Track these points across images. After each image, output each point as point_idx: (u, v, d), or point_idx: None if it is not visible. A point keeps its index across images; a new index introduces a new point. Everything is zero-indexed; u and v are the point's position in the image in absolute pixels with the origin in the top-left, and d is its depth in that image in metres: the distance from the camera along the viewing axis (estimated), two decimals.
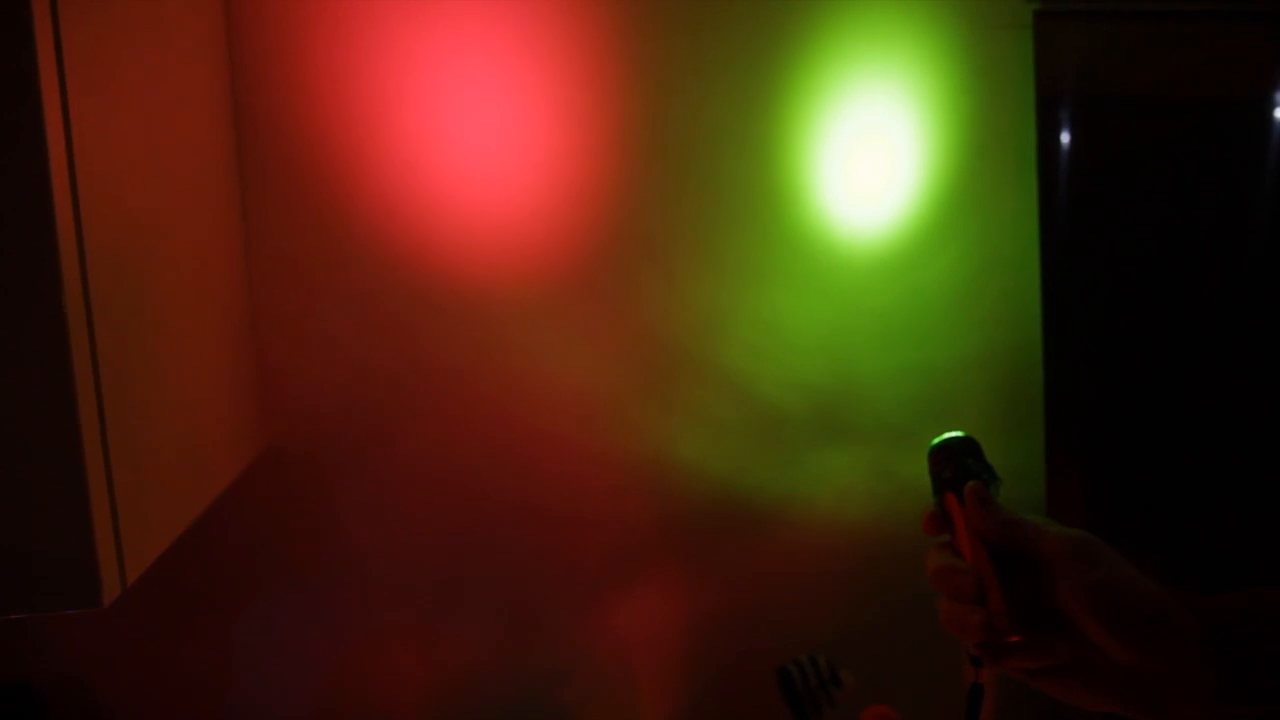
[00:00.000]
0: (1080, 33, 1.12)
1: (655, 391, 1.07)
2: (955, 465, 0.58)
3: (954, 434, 0.61)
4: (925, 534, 0.57)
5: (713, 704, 1.17)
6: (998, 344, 1.11)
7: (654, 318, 1.06)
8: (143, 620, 1.06)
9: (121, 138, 0.71)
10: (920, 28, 1.11)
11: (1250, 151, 1.16)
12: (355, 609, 1.10)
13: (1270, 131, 1.15)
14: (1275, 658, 0.48)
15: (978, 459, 0.59)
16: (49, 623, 1.04)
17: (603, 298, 1.05)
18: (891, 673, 1.16)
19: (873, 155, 1.08)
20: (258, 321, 1.05)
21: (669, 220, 1.06)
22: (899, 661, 1.17)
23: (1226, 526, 1.18)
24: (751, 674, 1.15)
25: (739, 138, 1.06)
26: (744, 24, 1.07)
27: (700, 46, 1.06)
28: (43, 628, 1.04)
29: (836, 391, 1.10)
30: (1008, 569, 0.53)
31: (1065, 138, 1.14)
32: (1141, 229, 1.17)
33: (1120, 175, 1.15)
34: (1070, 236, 1.14)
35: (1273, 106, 1.15)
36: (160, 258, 0.79)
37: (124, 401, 0.68)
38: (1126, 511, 1.18)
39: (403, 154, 1.05)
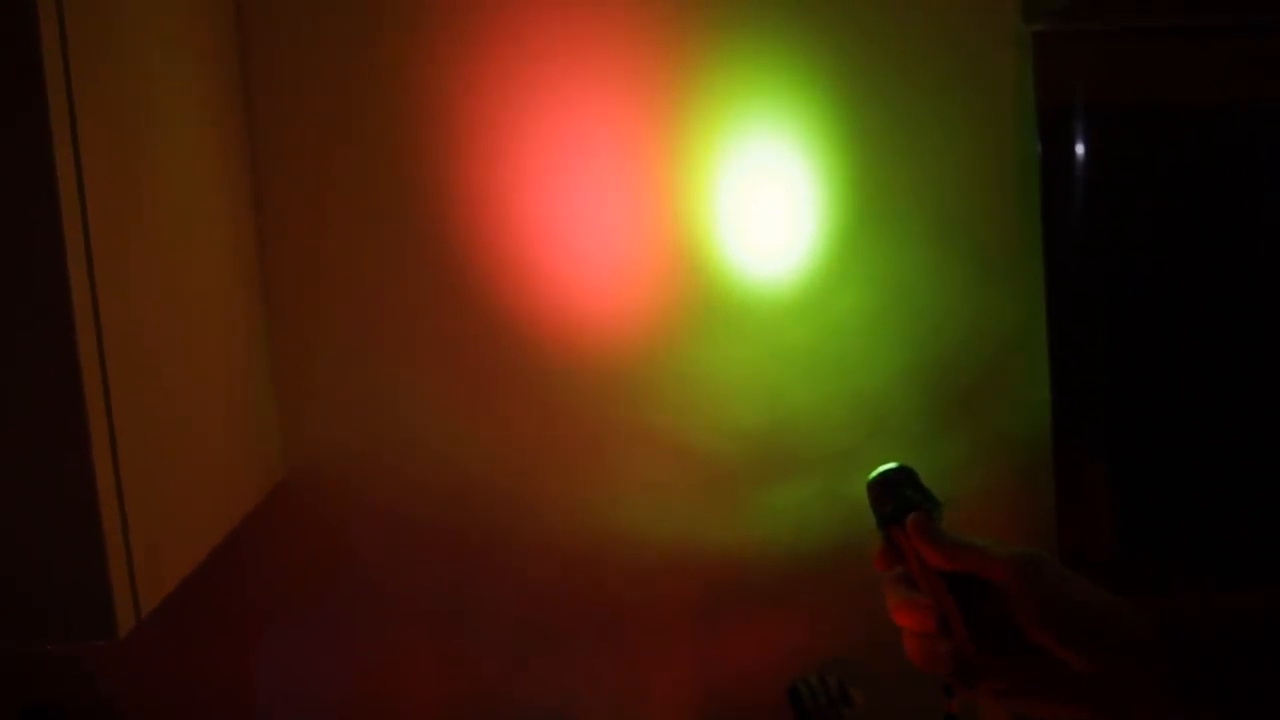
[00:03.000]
0: (1080, 52, 1.13)
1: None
2: (894, 498, 0.59)
3: (888, 466, 0.61)
4: (877, 571, 0.58)
5: None
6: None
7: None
8: (168, 644, 1.08)
9: (135, 178, 0.74)
10: (917, 48, 1.13)
11: (1257, 160, 1.15)
12: (373, 635, 1.12)
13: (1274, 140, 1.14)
14: (1228, 659, 0.49)
15: (915, 488, 0.60)
16: (75, 648, 1.07)
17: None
18: (900, 691, 1.16)
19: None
20: (277, 352, 1.08)
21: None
22: (906, 679, 1.17)
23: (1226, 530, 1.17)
24: (763, 695, 1.16)
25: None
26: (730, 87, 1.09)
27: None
28: (69, 652, 1.07)
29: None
30: (964, 592, 0.54)
31: (1066, 154, 1.14)
32: (1152, 244, 1.16)
33: (1129, 191, 1.15)
34: (1078, 254, 1.15)
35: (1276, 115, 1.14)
36: (175, 285, 0.81)
37: (138, 433, 0.70)
38: (1138, 516, 1.18)
39: (424, 188, 1.08)
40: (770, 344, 1.12)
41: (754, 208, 1.11)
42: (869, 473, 0.62)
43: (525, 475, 1.12)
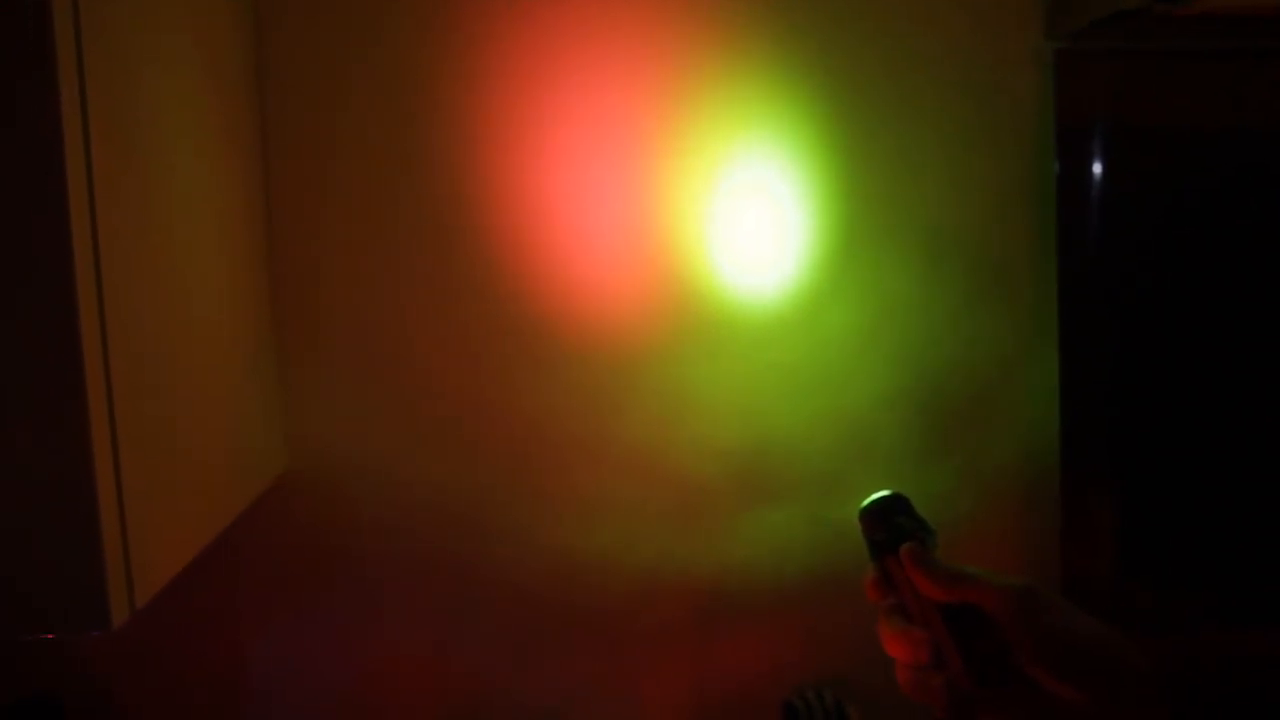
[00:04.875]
0: (1102, 69, 1.12)
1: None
2: (886, 526, 0.58)
3: (880, 494, 0.60)
4: (871, 601, 0.58)
5: None
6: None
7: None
8: (165, 635, 1.09)
9: (144, 170, 0.74)
10: (938, 67, 1.12)
11: (1276, 184, 1.14)
12: (368, 634, 1.12)
13: None
14: (1225, 697, 0.48)
15: (909, 515, 0.59)
16: (71, 638, 1.07)
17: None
18: (896, 710, 1.15)
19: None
20: (282, 346, 1.08)
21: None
22: (901, 698, 1.16)
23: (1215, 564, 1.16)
24: (764, 705, 1.15)
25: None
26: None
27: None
28: (65, 641, 1.08)
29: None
30: (959, 623, 0.53)
31: (1083, 170, 1.14)
32: (1167, 263, 1.15)
33: (1144, 210, 1.14)
34: (1092, 271, 1.14)
35: None
36: (181, 275, 0.81)
37: (139, 424, 0.70)
38: (1145, 546, 1.17)
39: (432, 186, 1.08)
40: (754, 361, 1.10)
41: (744, 222, 1.10)
42: (855, 496, 0.61)
43: (507, 485, 1.12)
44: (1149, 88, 1.12)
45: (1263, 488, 1.15)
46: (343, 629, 1.12)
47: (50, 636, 0.67)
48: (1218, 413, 1.15)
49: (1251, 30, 1.11)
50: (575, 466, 1.10)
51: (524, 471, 1.12)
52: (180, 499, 0.79)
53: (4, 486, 0.63)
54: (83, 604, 0.65)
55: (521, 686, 1.15)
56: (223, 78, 0.95)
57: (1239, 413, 1.15)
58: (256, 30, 1.04)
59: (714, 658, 1.16)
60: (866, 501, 0.61)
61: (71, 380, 0.63)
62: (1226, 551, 1.16)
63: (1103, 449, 1.15)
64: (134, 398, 0.69)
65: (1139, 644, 0.50)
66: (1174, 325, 1.15)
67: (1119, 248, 1.13)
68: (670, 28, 1.08)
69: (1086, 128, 1.12)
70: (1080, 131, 1.12)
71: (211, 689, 1.11)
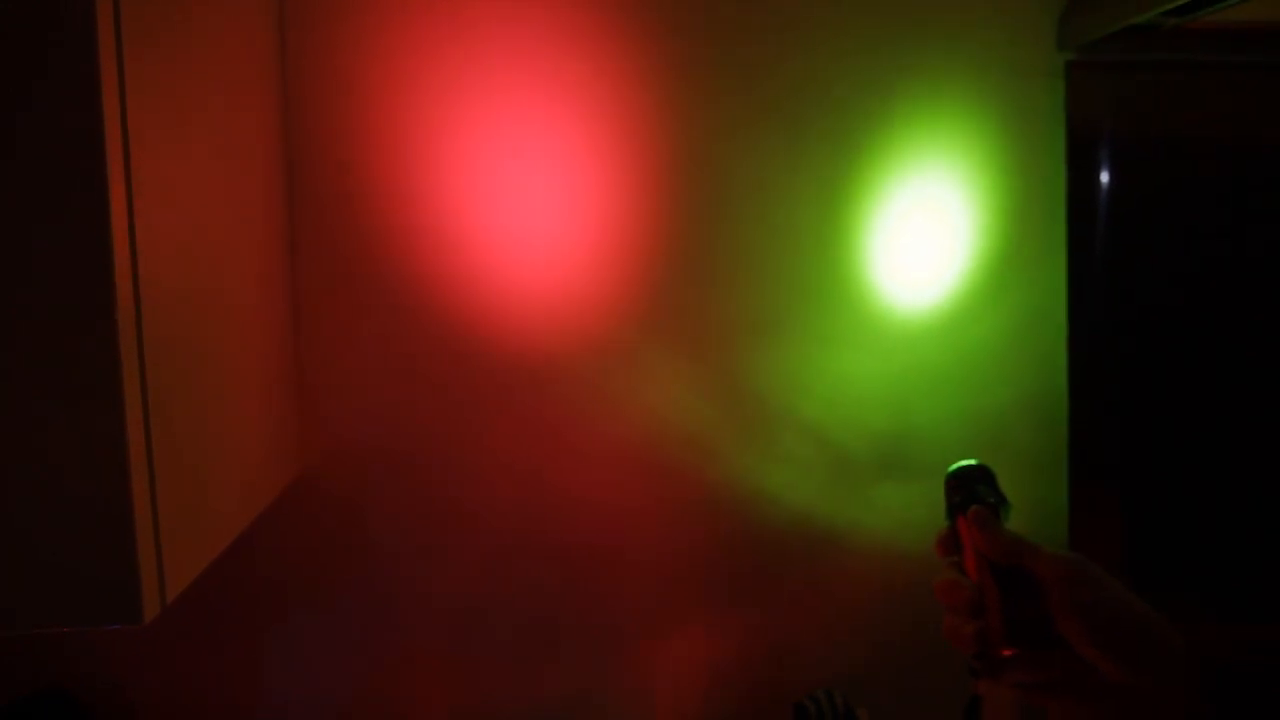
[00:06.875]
0: (1112, 82, 1.13)
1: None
2: (966, 491, 0.61)
3: (968, 462, 0.63)
4: (937, 555, 0.60)
5: None
6: (1035, 393, 1.20)
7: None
8: (180, 633, 1.09)
9: (180, 173, 0.75)
10: (954, 79, 1.14)
11: None
12: (381, 633, 1.13)
13: None
14: (1256, 681, 0.49)
15: (989, 485, 0.61)
16: (90, 633, 1.07)
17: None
18: (903, 715, 1.16)
19: (924, 227, 1.17)
20: (301, 355, 1.09)
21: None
22: (909, 705, 1.17)
23: (1252, 563, 1.17)
24: (774, 707, 1.16)
25: (810, 226, 1.16)
26: (801, 116, 1.15)
27: (766, 145, 1.14)
28: (84, 638, 1.08)
29: (896, 435, 1.20)
30: (1013, 590, 0.55)
31: (1092, 181, 1.15)
32: (1174, 273, 1.17)
33: (1151, 221, 1.16)
34: (1101, 281, 1.16)
35: None
36: (212, 291, 0.82)
37: (170, 426, 0.71)
38: (1150, 545, 1.18)
39: (449, 203, 1.09)
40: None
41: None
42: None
43: (560, 485, 1.14)
44: (1159, 99, 1.14)
45: (1269, 492, 1.16)
46: (356, 627, 1.12)
47: (66, 630, 0.67)
48: (1225, 417, 1.17)
49: (1259, 44, 1.13)
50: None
51: (544, 471, 1.13)
52: (207, 497, 0.80)
53: (43, 484, 0.64)
54: (116, 598, 0.66)
55: (534, 686, 1.15)
56: (251, 86, 0.96)
57: (1247, 418, 1.16)
58: (281, 38, 1.05)
59: (727, 658, 1.17)
60: (954, 466, 0.64)
61: (109, 382, 0.64)
62: (1234, 555, 1.17)
63: (1109, 454, 1.16)
64: (167, 399, 0.70)
65: (1179, 630, 0.51)
66: (1181, 333, 1.16)
67: (1127, 256, 1.15)
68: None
69: (1095, 138, 1.14)
70: (1090, 142, 1.14)
71: (224, 688, 1.11)
